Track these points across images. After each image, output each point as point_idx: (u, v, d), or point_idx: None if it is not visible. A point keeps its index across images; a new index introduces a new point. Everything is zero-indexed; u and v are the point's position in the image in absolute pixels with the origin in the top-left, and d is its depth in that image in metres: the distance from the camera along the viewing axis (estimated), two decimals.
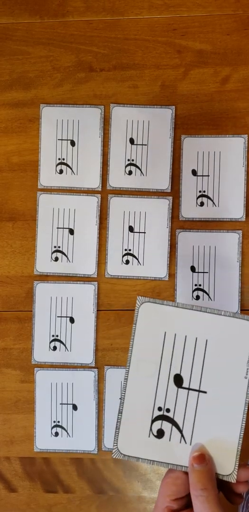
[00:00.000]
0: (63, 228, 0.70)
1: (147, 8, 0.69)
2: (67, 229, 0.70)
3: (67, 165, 0.70)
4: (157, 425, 0.39)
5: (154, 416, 0.40)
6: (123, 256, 0.69)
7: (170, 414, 0.39)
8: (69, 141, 0.70)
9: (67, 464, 0.69)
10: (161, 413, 0.39)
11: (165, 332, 0.40)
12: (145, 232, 0.69)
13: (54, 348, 0.69)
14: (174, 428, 0.39)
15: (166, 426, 0.39)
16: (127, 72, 0.69)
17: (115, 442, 0.39)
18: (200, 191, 0.68)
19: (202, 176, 0.68)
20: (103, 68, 0.70)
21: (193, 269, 0.68)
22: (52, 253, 0.70)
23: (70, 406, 0.69)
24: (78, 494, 0.69)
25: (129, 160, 0.69)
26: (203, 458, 0.38)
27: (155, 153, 0.69)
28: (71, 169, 0.70)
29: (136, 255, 0.69)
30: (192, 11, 0.69)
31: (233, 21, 0.68)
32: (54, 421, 0.69)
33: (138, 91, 0.69)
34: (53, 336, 0.69)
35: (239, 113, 0.68)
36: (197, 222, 0.68)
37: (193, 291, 0.68)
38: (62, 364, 0.69)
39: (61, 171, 0.70)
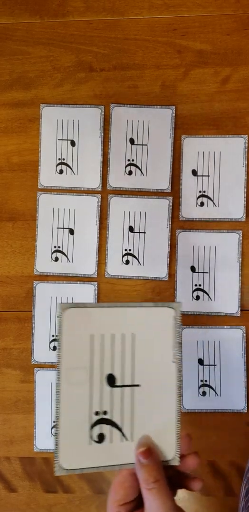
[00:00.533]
0: (63, 228, 0.70)
1: (147, 8, 0.69)
2: (67, 229, 0.70)
3: (67, 165, 0.70)
4: (96, 430, 0.38)
5: (92, 422, 0.38)
6: (123, 256, 0.69)
7: (108, 416, 0.39)
8: (69, 141, 0.70)
9: None
10: (98, 417, 0.38)
11: (92, 335, 0.39)
12: (145, 232, 0.69)
13: (54, 348, 0.69)
14: (113, 428, 0.39)
15: (105, 428, 0.39)
16: (127, 72, 0.69)
17: (56, 458, 0.38)
18: (200, 191, 0.68)
19: (202, 176, 0.68)
20: (104, 68, 0.70)
21: (193, 269, 0.68)
22: (52, 253, 0.70)
23: None
24: (78, 494, 0.69)
25: (129, 160, 0.69)
26: (149, 452, 0.37)
27: (155, 153, 0.69)
28: (71, 169, 0.70)
29: (136, 255, 0.69)
30: (192, 11, 0.69)
31: (233, 21, 0.68)
32: (54, 421, 0.69)
33: (138, 91, 0.69)
34: (53, 336, 0.69)
35: (239, 113, 0.68)
36: (197, 222, 0.68)
37: (193, 291, 0.68)
38: None
39: (61, 171, 0.70)
